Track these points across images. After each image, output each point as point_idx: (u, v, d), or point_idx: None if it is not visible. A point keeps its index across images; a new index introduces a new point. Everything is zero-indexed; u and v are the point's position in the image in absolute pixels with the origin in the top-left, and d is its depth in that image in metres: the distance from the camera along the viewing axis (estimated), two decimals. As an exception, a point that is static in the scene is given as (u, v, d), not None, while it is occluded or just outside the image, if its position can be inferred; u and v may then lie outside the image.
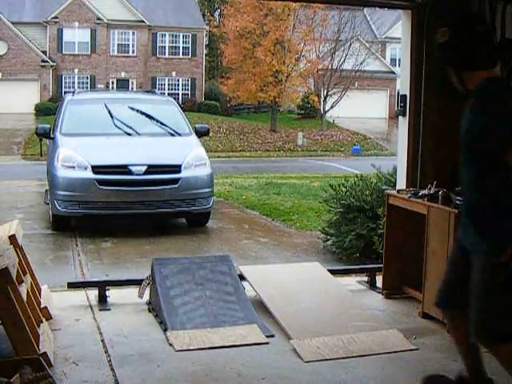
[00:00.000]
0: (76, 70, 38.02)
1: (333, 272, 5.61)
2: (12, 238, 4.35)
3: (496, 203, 2.95)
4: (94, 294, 5.08)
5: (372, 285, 5.57)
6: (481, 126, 2.94)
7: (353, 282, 5.70)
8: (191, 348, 4.14)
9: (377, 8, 24.59)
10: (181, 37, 40.01)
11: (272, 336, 4.37)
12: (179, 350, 4.11)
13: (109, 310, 4.88)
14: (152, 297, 4.89)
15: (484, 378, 3.34)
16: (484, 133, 2.92)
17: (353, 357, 4.07)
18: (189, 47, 40.26)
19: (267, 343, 4.26)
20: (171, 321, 4.46)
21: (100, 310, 4.87)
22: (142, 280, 5.03)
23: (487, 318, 3.01)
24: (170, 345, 4.19)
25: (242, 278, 5.18)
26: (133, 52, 39.40)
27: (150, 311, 4.83)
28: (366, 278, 5.67)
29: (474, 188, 3.05)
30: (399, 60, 27.09)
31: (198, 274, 4.97)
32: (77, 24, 37.55)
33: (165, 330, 4.40)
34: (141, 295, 5.00)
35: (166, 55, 40.05)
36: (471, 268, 3.07)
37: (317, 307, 4.83)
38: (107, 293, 5.04)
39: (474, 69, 2.99)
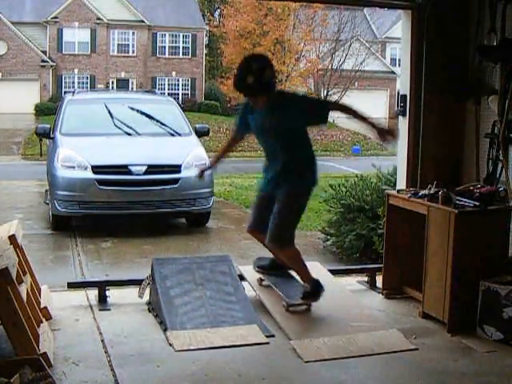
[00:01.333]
0: (76, 70, 37.99)
1: (333, 272, 5.60)
2: (12, 238, 4.34)
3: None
4: (93, 294, 5.07)
5: (372, 285, 5.56)
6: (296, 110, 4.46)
7: (353, 282, 5.69)
8: (191, 348, 4.14)
9: (377, 8, 24.59)
10: (181, 37, 39.98)
11: (272, 336, 4.37)
12: (179, 350, 4.11)
13: (109, 309, 4.88)
14: (152, 297, 4.88)
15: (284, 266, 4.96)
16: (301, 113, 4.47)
17: (353, 357, 4.07)
18: (189, 47, 40.23)
19: (267, 343, 4.26)
20: (171, 321, 4.46)
21: (100, 309, 4.86)
22: (142, 280, 5.02)
23: (278, 230, 4.52)
24: (170, 345, 4.19)
25: (241, 278, 5.18)
26: (133, 52, 39.37)
27: (149, 311, 4.82)
28: (366, 278, 5.66)
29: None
30: (399, 60, 27.07)
31: (198, 274, 4.97)
32: (77, 24, 37.53)
33: (165, 330, 4.39)
34: (141, 295, 4.99)
35: (166, 55, 40.01)
36: (273, 204, 4.56)
37: (317, 307, 4.82)
38: (107, 293, 5.04)
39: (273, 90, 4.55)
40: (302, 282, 4.82)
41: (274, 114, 4.47)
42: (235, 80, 4.57)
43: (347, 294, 5.17)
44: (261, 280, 5.12)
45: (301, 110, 4.48)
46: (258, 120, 4.59)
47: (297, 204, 4.62)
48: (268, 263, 5.11)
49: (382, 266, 5.44)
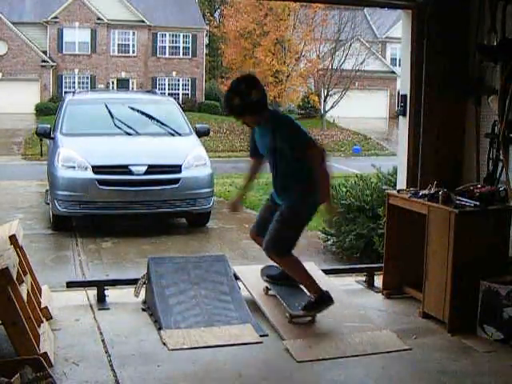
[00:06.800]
0: (76, 70, 38.01)
1: (328, 272, 5.59)
2: (12, 238, 4.35)
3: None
4: (93, 293, 5.08)
5: (370, 284, 5.56)
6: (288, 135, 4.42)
7: (352, 281, 5.69)
8: (184, 347, 4.14)
9: (377, 8, 24.58)
10: (181, 37, 40.00)
11: (266, 335, 4.37)
12: (173, 349, 4.11)
13: (109, 309, 4.88)
14: (147, 296, 4.89)
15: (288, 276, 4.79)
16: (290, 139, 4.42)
17: (346, 357, 4.06)
18: (189, 47, 40.25)
19: (261, 342, 4.26)
20: (165, 320, 4.46)
21: (100, 309, 4.86)
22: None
23: (273, 238, 4.51)
24: (164, 344, 4.18)
25: (236, 277, 5.17)
26: (133, 52, 39.39)
27: (144, 310, 4.82)
28: (364, 278, 5.66)
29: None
30: (399, 60, 27.07)
31: (193, 273, 4.97)
32: (77, 24, 37.54)
33: (159, 329, 4.39)
34: (137, 294, 5.00)
35: (167, 55, 40.04)
36: (275, 212, 4.59)
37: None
38: (107, 292, 5.04)
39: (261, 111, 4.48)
40: (308, 293, 4.67)
41: (264, 135, 4.56)
42: (223, 100, 4.68)
43: (341, 295, 5.13)
44: (267, 289, 4.97)
45: (283, 139, 4.45)
46: (257, 137, 4.68)
47: (295, 219, 4.56)
48: (277, 273, 4.96)
49: (378, 265, 5.46)
